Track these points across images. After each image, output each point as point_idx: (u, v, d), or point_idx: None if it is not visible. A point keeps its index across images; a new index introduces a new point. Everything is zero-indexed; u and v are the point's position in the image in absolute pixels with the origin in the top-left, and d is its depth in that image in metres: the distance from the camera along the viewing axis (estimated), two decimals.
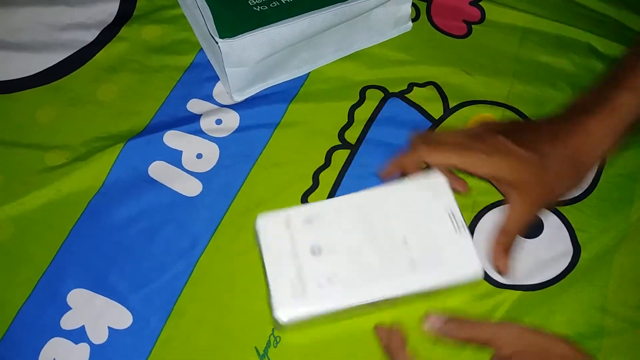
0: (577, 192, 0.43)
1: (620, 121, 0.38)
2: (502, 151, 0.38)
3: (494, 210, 0.45)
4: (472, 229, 0.45)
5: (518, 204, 0.38)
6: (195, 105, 0.51)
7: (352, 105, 0.50)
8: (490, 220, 0.45)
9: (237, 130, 0.49)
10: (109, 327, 0.41)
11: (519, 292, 0.42)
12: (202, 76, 0.52)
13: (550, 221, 0.45)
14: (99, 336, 0.41)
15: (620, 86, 0.38)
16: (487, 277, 0.43)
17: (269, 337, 0.41)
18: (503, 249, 0.39)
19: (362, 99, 0.51)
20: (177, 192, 0.46)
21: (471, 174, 0.40)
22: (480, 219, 0.45)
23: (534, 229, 0.44)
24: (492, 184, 0.42)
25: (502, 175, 0.38)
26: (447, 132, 0.43)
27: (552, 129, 0.39)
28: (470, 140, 0.40)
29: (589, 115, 0.38)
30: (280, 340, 0.41)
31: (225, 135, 0.49)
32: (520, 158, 0.38)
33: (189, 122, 0.49)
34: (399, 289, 0.37)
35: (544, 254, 0.43)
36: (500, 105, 0.50)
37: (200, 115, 0.50)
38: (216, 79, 0.52)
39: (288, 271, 0.37)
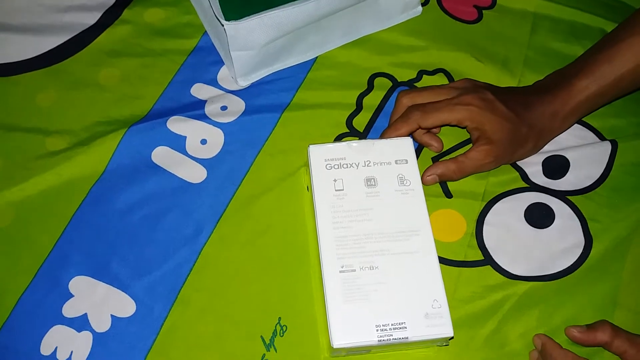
0: (525, 157, 0.46)
1: (579, 104, 0.43)
2: (489, 107, 0.42)
3: (505, 199, 0.45)
4: (481, 219, 0.44)
5: (484, 152, 0.43)
6: (199, 90, 0.50)
7: (361, 94, 0.49)
8: (501, 211, 0.44)
9: (243, 116, 0.48)
10: (111, 315, 0.40)
11: (530, 284, 0.41)
12: (206, 60, 0.51)
13: (561, 211, 0.44)
14: (101, 324, 0.40)
15: (582, 72, 0.43)
16: (497, 267, 0.42)
17: (275, 326, 0.40)
18: (442, 173, 0.43)
19: (370, 87, 0.50)
20: (181, 179, 0.45)
21: (456, 126, 0.44)
22: (490, 208, 0.44)
23: (544, 219, 0.43)
24: (463, 128, 0.44)
25: (486, 129, 0.42)
26: (435, 91, 0.44)
27: (527, 99, 0.44)
28: (461, 95, 0.43)
29: (554, 96, 0.43)
30: (286, 329, 0.40)
31: (230, 121, 0.48)
32: (503, 116, 0.42)
33: (193, 108, 0.48)
34: None
35: (555, 245, 0.43)
36: None
37: (205, 100, 0.49)
38: (221, 63, 0.51)
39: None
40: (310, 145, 0.42)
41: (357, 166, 0.41)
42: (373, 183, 0.40)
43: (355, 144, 0.42)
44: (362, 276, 0.37)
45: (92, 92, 0.50)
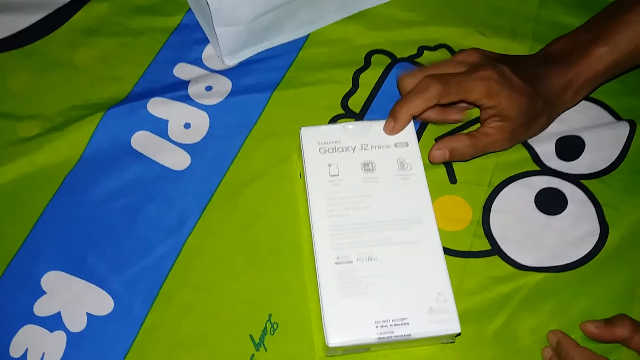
0: (537, 134, 0.42)
1: (596, 74, 0.39)
2: (507, 83, 0.38)
3: (514, 184, 0.41)
4: (488, 206, 0.40)
5: (498, 129, 0.39)
6: (182, 71, 0.46)
7: (357, 70, 0.46)
8: (510, 197, 0.41)
9: (229, 97, 0.44)
10: (87, 313, 0.37)
11: (542, 275, 0.38)
12: (190, 38, 0.47)
13: (574, 196, 0.41)
14: (76, 323, 0.37)
15: (600, 39, 0.39)
16: (506, 258, 0.39)
17: (266, 324, 0.37)
18: (454, 147, 0.39)
19: (367, 64, 0.46)
20: (162, 165, 0.42)
21: (470, 103, 0.40)
22: (498, 194, 0.41)
23: (556, 205, 0.40)
24: (476, 106, 0.40)
25: (503, 106, 0.38)
26: (450, 64, 0.40)
27: (542, 71, 0.40)
28: (478, 69, 0.38)
29: (569, 65, 0.40)
30: (278, 327, 0.37)
31: (216, 103, 0.44)
32: (521, 91, 0.38)
33: (176, 88, 0.45)
34: None
35: (568, 233, 0.39)
36: None
37: (189, 81, 0.45)
38: (206, 41, 0.47)
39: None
40: (302, 128, 0.38)
41: (354, 150, 0.38)
42: (371, 168, 0.37)
43: (351, 126, 0.39)
44: (360, 268, 0.34)
45: (67, 74, 0.46)
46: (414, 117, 0.38)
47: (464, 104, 0.41)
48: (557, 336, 0.35)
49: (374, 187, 0.36)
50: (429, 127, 0.44)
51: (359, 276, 0.34)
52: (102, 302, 0.37)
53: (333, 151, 0.38)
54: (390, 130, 0.38)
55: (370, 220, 0.35)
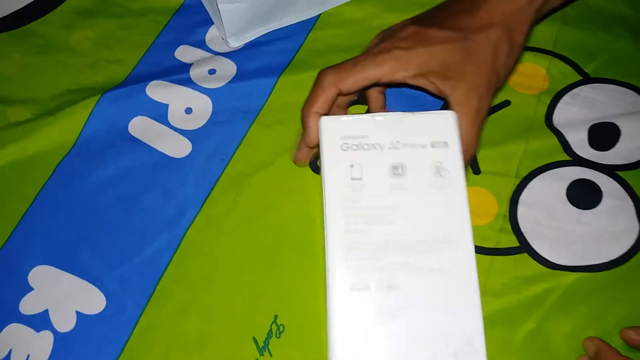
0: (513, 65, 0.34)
1: None
2: (420, 41, 0.32)
3: (543, 175, 0.38)
4: (515, 199, 0.37)
5: (461, 98, 0.32)
6: (184, 53, 0.43)
7: None
8: (539, 189, 0.37)
9: (234, 81, 0.41)
10: (77, 311, 0.34)
11: (576, 275, 0.34)
12: (193, 20, 0.44)
13: (610, 189, 0.37)
14: (64, 323, 0.34)
15: None
16: (536, 255, 0.35)
17: (271, 326, 0.34)
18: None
19: None
20: (162, 153, 0.39)
21: (397, 85, 0.33)
22: (525, 185, 0.37)
23: (589, 199, 0.37)
24: (425, 91, 0.34)
25: (429, 69, 0.31)
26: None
27: (452, 9, 0.34)
28: (381, 46, 0.32)
29: None
30: (284, 329, 0.33)
31: (219, 86, 0.41)
32: (443, 39, 0.32)
33: (176, 71, 0.42)
34: None
35: (604, 229, 0.36)
36: (547, 53, 0.42)
37: (191, 64, 0.42)
38: (209, 22, 0.44)
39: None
40: (323, 117, 0.32)
41: (382, 148, 0.31)
42: (401, 172, 0.31)
43: (380, 118, 0.32)
44: (378, 298, 0.28)
45: (62, 57, 0.43)
46: None
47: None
48: (595, 344, 0.31)
49: (403, 197, 0.30)
50: None
51: (376, 307, 0.28)
52: (93, 300, 0.34)
53: (357, 148, 0.31)
54: (305, 140, 0.33)
55: (395, 239, 0.29)
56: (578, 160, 0.38)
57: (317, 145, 0.32)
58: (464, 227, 0.29)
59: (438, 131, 0.31)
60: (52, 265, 0.35)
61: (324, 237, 0.30)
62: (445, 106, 0.34)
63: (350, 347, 0.28)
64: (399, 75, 0.32)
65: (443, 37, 0.32)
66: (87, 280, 0.35)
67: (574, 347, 0.33)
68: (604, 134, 0.38)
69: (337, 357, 0.27)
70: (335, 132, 0.32)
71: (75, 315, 0.34)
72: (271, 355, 0.33)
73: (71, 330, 0.34)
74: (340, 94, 0.32)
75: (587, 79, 0.41)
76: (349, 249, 0.29)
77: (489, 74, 0.32)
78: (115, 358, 0.33)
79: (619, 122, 0.39)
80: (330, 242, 0.29)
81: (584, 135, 0.39)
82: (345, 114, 0.37)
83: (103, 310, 0.34)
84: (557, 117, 0.40)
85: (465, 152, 0.31)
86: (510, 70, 0.34)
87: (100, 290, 0.35)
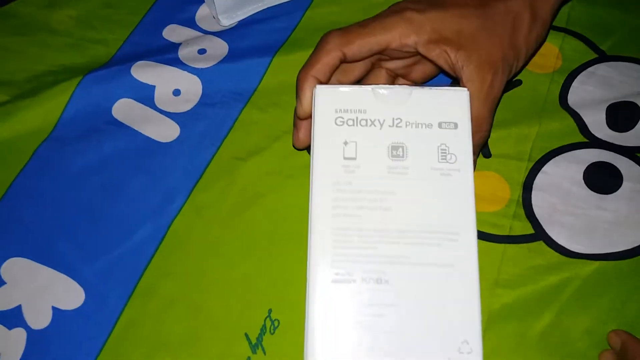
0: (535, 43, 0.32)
1: None
2: (434, 3, 0.29)
3: (558, 158, 0.35)
4: (529, 183, 0.34)
5: (474, 72, 0.29)
6: (173, 32, 0.41)
7: None
8: (554, 172, 0.34)
9: (225, 61, 0.39)
10: (53, 307, 0.31)
11: (596, 264, 0.32)
12: None
13: (631, 172, 0.34)
14: (39, 319, 0.31)
15: None
16: (552, 243, 0.33)
17: (264, 321, 0.31)
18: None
19: None
20: (147, 137, 0.36)
21: (405, 56, 0.31)
22: (540, 169, 0.35)
23: (609, 183, 0.34)
24: (436, 66, 0.31)
25: (443, 35, 0.29)
26: None
27: None
28: (392, 7, 0.30)
29: None
30: (279, 324, 0.31)
31: (209, 66, 0.38)
32: (456, 4, 0.29)
33: (164, 51, 0.39)
34: None
35: (625, 215, 0.33)
36: (559, 30, 0.40)
37: (180, 44, 0.40)
38: (200, 0, 0.42)
39: None
40: (318, 86, 0.28)
41: (382, 125, 0.28)
42: (401, 154, 0.27)
43: (383, 91, 0.28)
44: (364, 291, 0.25)
45: (42, 37, 0.41)
46: None
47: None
48: (621, 337, 0.29)
49: (402, 181, 0.27)
50: None
51: (361, 303, 0.25)
52: (71, 294, 0.32)
53: (354, 124, 0.28)
54: (297, 109, 0.30)
55: (389, 228, 0.26)
56: (595, 142, 0.35)
57: (309, 117, 0.29)
58: (467, 219, 0.26)
59: (448, 110, 0.28)
60: (26, 258, 0.33)
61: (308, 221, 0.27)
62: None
63: (330, 347, 0.25)
64: (410, 40, 0.29)
65: (459, 1, 0.29)
66: (65, 273, 0.32)
67: (595, 341, 0.30)
68: (623, 114, 0.36)
69: (315, 357, 0.25)
70: (330, 103, 0.28)
71: (51, 311, 0.31)
72: (265, 353, 0.30)
73: (46, 327, 0.31)
74: (344, 60, 0.29)
75: (603, 57, 0.38)
76: (336, 236, 0.26)
77: (505, 48, 0.30)
78: (94, 356, 0.30)
79: (639, 101, 0.36)
80: (314, 227, 0.26)
81: (601, 115, 0.36)
82: None
83: (82, 305, 0.31)
84: (572, 97, 0.37)
85: (475, 134, 0.28)
86: (532, 49, 0.31)
87: (79, 283, 0.32)
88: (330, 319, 0.25)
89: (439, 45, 0.29)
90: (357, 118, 0.28)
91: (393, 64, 0.33)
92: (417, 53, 0.30)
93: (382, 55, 0.31)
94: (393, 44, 0.29)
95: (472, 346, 0.25)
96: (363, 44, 0.29)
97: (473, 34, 0.29)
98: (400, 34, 0.29)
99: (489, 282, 0.31)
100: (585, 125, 0.36)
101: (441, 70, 0.31)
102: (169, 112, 0.37)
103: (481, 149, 0.33)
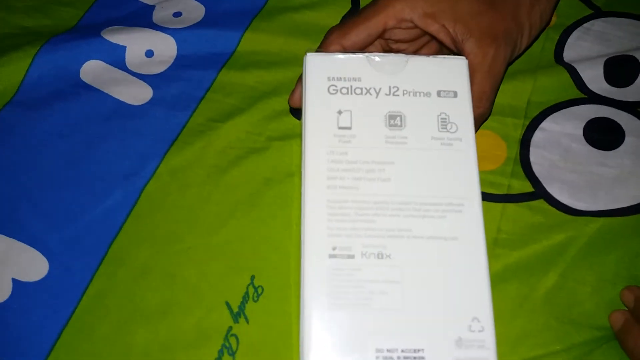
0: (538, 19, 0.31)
1: None
2: None
3: (556, 115, 0.33)
4: (526, 140, 0.32)
5: (475, 45, 0.28)
6: None
7: None
8: (552, 129, 0.33)
9: (202, 23, 0.36)
10: (13, 279, 0.28)
11: (601, 220, 0.30)
12: None
13: (632, 127, 0.33)
14: None
15: None
16: (553, 201, 0.31)
17: (247, 288, 0.28)
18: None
19: None
20: (117, 100, 0.34)
21: (408, 36, 0.30)
22: (537, 126, 0.33)
23: (610, 139, 0.32)
24: (437, 41, 0.30)
25: (440, 8, 0.28)
26: None
27: None
28: None
29: None
30: (262, 291, 0.28)
31: (185, 27, 0.36)
32: None
33: (137, 15, 0.37)
34: None
35: (630, 171, 0.31)
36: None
37: (154, 6, 0.37)
38: None
39: None
40: (309, 53, 0.27)
41: (378, 93, 0.27)
42: (399, 123, 0.26)
43: (378, 59, 0.27)
44: (364, 267, 0.24)
45: (3, 1, 0.38)
46: None
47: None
48: (635, 293, 0.27)
49: (400, 151, 0.26)
50: None
51: (361, 279, 0.24)
52: (33, 265, 0.29)
53: (348, 92, 0.27)
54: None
55: (388, 200, 0.25)
56: (594, 98, 0.34)
57: None
58: (472, 189, 0.25)
59: (446, 78, 0.27)
60: None
61: (301, 192, 0.25)
62: None
63: (329, 328, 0.23)
64: (406, 14, 0.28)
65: None
66: (26, 243, 0.29)
67: (604, 302, 0.28)
68: (622, 69, 0.34)
69: (310, 343, 0.22)
70: (322, 71, 0.27)
71: (10, 283, 0.28)
72: (247, 322, 0.27)
73: (6, 301, 0.28)
74: (344, 51, 0.28)
75: (598, 13, 0.37)
76: (331, 208, 0.24)
77: (508, 21, 0.29)
78: (59, 330, 0.27)
79: (639, 55, 0.34)
80: (308, 199, 0.25)
81: (599, 70, 0.34)
82: None
83: (45, 276, 0.28)
84: (568, 53, 0.35)
85: (475, 109, 0.27)
86: (537, 25, 0.31)
87: (42, 253, 0.29)
88: (328, 298, 0.23)
89: (436, 19, 0.28)
90: (351, 86, 0.27)
91: (403, 47, 0.32)
92: (419, 30, 0.29)
93: (388, 40, 0.31)
94: (390, 23, 0.28)
95: (484, 324, 0.23)
96: (359, 32, 0.29)
97: (472, 7, 0.28)
98: (394, 12, 0.28)
99: (488, 242, 0.29)
100: (582, 81, 0.34)
101: (446, 48, 0.30)
102: (141, 74, 0.35)
103: (480, 126, 0.31)
